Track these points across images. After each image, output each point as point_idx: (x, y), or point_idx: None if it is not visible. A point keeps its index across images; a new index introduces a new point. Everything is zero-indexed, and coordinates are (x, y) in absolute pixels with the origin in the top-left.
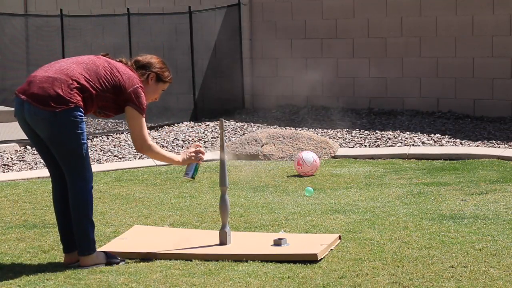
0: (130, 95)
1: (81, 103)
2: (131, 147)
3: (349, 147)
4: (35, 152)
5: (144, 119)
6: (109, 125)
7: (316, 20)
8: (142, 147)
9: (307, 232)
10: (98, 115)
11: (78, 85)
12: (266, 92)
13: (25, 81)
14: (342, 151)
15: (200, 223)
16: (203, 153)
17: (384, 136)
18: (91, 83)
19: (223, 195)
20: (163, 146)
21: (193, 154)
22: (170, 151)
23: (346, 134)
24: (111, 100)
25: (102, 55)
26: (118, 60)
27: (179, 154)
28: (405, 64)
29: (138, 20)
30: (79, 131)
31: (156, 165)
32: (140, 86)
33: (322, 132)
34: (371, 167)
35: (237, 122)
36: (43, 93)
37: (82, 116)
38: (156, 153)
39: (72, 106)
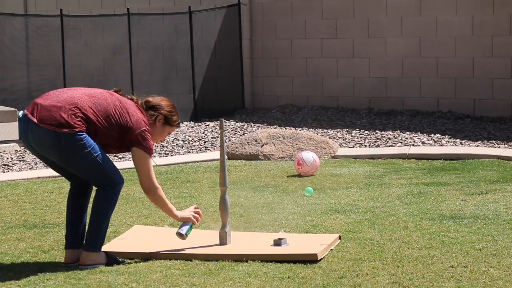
0: (137, 137)
1: (84, 129)
2: None
3: (349, 147)
4: None
5: (151, 160)
6: (186, 213)
7: (316, 20)
8: (150, 189)
9: (307, 232)
10: None
11: (83, 116)
12: (266, 92)
13: (30, 105)
14: (342, 151)
15: (200, 223)
16: (201, 216)
17: (384, 136)
18: (98, 118)
19: (223, 195)
20: (163, 146)
21: (192, 214)
22: (171, 204)
23: (346, 134)
24: (115, 138)
25: (114, 91)
26: (129, 97)
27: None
28: (405, 64)
29: (138, 20)
30: (87, 150)
31: (156, 165)
32: (147, 129)
33: (322, 132)
34: (371, 167)
35: (237, 122)
36: (49, 117)
37: (85, 135)
38: (161, 198)
39: (76, 130)
